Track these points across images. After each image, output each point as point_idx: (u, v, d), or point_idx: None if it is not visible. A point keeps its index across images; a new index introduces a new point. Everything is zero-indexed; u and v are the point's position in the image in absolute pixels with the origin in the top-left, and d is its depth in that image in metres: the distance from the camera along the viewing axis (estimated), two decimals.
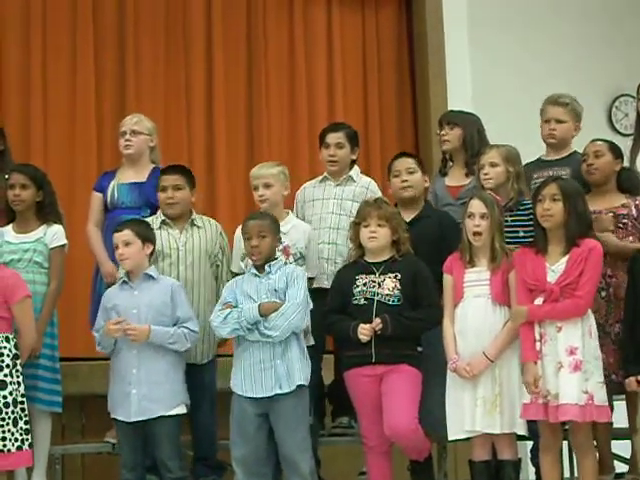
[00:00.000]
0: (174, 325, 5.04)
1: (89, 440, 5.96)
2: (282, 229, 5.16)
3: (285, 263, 5.12)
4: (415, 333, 4.97)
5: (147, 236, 5.14)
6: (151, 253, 5.16)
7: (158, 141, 5.89)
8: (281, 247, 5.15)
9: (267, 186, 5.35)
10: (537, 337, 4.70)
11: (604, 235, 5.04)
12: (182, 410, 5.04)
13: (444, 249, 5.08)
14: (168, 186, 5.38)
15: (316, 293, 5.18)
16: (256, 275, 5.00)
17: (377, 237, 4.97)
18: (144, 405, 4.96)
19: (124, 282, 5.13)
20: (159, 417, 4.96)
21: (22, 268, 5.21)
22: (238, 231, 5.27)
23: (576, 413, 4.60)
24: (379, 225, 4.96)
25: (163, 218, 5.41)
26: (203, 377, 5.36)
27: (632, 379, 4.72)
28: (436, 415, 4.94)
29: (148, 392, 4.97)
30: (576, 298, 4.65)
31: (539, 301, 4.70)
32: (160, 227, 5.37)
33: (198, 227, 5.43)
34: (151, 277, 5.11)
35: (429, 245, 5.12)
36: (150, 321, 4.99)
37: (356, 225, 5.03)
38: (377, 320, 4.85)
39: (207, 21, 7.58)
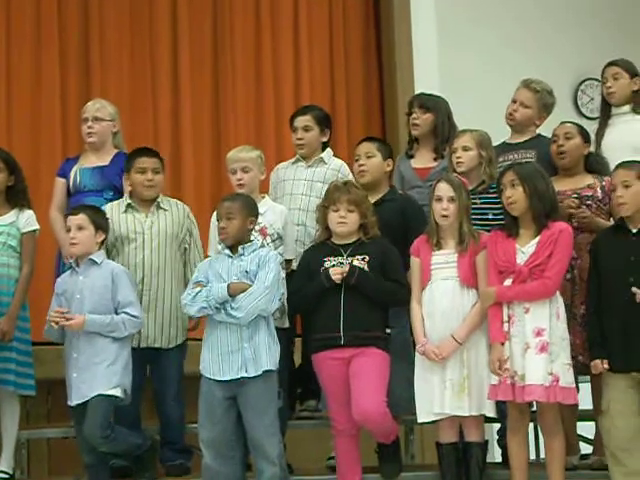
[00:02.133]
0: (115, 310, 5.01)
1: (55, 425, 5.93)
2: (259, 211, 5.12)
3: (262, 245, 5.11)
4: (380, 296, 4.93)
5: (101, 224, 5.12)
6: (102, 242, 5.13)
7: (121, 126, 5.86)
8: (258, 228, 5.13)
9: (245, 170, 5.32)
10: (505, 318, 4.73)
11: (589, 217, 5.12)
12: (117, 392, 4.97)
13: (407, 233, 5.09)
14: (148, 168, 5.34)
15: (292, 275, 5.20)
16: (229, 256, 4.98)
17: (347, 222, 4.96)
18: (83, 388, 4.95)
19: (72, 268, 5.12)
20: (94, 396, 4.92)
21: None
22: (214, 216, 5.26)
23: (541, 394, 4.63)
24: (349, 210, 4.96)
25: (129, 202, 5.37)
26: (170, 362, 5.33)
27: (597, 362, 4.75)
28: (401, 396, 4.96)
29: (84, 375, 4.95)
30: (544, 279, 4.68)
31: (508, 282, 4.73)
32: (126, 211, 5.34)
33: (164, 210, 5.39)
34: (95, 262, 5.07)
35: (390, 228, 5.10)
36: (91, 306, 4.97)
37: (324, 208, 5.02)
38: (346, 268, 4.86)
39: (172, 4, 7.55)
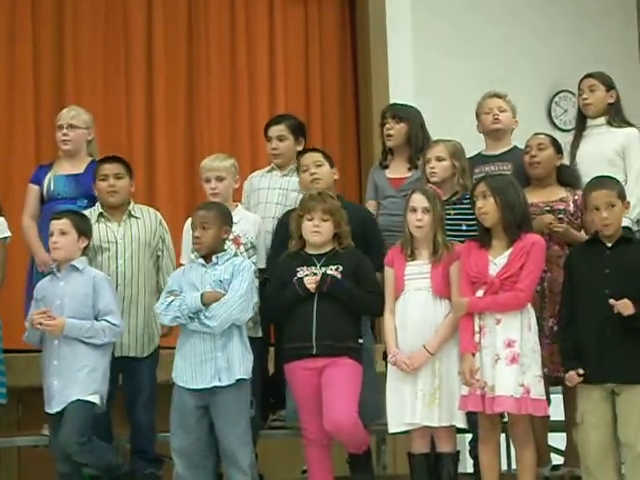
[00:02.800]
0: (95, 317, 4.97)
1: (25, 433, 5.88)
2: (233, 219, 5.12)
3: (235, 254, 5.11)
4: (354, 304, 4.94)
5: (84, 230, 5.08)
6: (85, 247, 5.09)
7: (95, 134, 5.83)
8: (231, 237, 5.13)
9: (220, 179, 5.34)
10: (477, 329, 4.73)
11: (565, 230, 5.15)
12: (95, 399, 4.93)
13: (366, 242, 5.10)
14: (109, 174, 5.34)
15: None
16: (203, 265, 4.97)
17: (321, 232, 4.96)
18: (64, 395, 4.90)
19: (53, 273, 5.08)
20: (73, 402, 4.88)
21: None
22: (187, 224, 5.26)
23: (511, 405, 4.63)
24: (323, 219, 4.96)
25: (100, 211, 5.36)
26: (143, 370, 5.32)
27: (572, 373, 4.75)
28: (368, 404, 4.95)
29: (65, 382, 4.91)
30: (516, 291, 4.69)
31: (480, 293, 4.74)
32: (97, 220, 5.31)
33: (136, 218, 5.39)
34: (77, 268, 5.04)
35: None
36: (72, 313, 4.93)
37: (299, 217, 5.01)
38: (318, 277, 4.88)
39: (148, 11, 7.55)
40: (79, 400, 4.88)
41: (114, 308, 5.03)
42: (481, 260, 4.77)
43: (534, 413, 4.69)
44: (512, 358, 4.64)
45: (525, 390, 4.63)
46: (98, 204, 5.41)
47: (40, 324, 4.88)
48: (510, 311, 4.69)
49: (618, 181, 4.96)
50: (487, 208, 4.78)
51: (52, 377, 4.95)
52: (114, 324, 4.99)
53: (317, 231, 4.95)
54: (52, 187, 5.62)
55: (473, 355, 4.70)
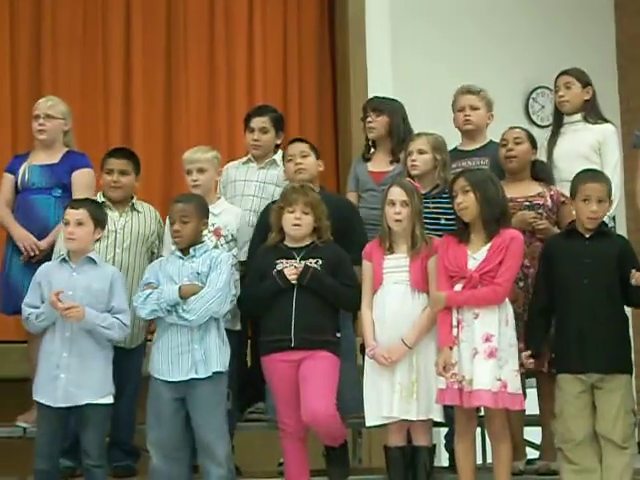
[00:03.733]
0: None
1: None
2: (214, 211, 5.13)
3: (216, 246, 5.11)
4: (334, 297, 4.94)
5: (101, 221, 4.99)
6: (98, 239, 5.04)
7: (72, 125, 5.81)
8: (212, 229, 5.12)
9: (201, 171, 5.33)
10: (454, 323, 4.75)
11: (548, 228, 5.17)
12: (109, 400, 4.90)
13: (348, 234, 5.10)
14: (114, 170, 5.36)
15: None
16: (180, 257, 4.96)
17: (301, 225, 4.95)
18: (71, 391, 4.81)
19: (64, 260, 4.96)
20: (86, 404, 4.82)
21: None
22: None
23: (489, 399, 4.65)
24: (304, 212, 4.95)
25: (103, 200, 5.36)
26: (131, 361, 5.30)
27: (525, 354, 4.81)
28: (347, 396, 4.96)
29: (77, 378, 4.81)
30: (495, 285, 4.70)
31: (458, 287, 4.76)
32: None
33: (138, 212, 5.40)
34: (93, 261, 4.95)
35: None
36: (85, 305, 4.80)
37: (280, 209, 5.01)
38: (300, 267, 4.87)
39: (126, 5, 7.52)
40: (97, 405, 4.83)
41: (126, 308, 4.94)
42: (460, 255, 4.79)
43: (511, 407, 4.72)
44: (490, 352, 4.66)
45: (502, 384, 4.65)
46: (100, 194, 5.41)
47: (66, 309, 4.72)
48: (488, 305, 4.71)
49: (609, 179, 4.99)
50: (467, 203, 4.80)
51: (59, 370, 4.81)
52: (125, 324, 4.91)
53: (298, 224, 4.95)
54: (27, 177, 5.60)
55: (451, 349, 4.72)
